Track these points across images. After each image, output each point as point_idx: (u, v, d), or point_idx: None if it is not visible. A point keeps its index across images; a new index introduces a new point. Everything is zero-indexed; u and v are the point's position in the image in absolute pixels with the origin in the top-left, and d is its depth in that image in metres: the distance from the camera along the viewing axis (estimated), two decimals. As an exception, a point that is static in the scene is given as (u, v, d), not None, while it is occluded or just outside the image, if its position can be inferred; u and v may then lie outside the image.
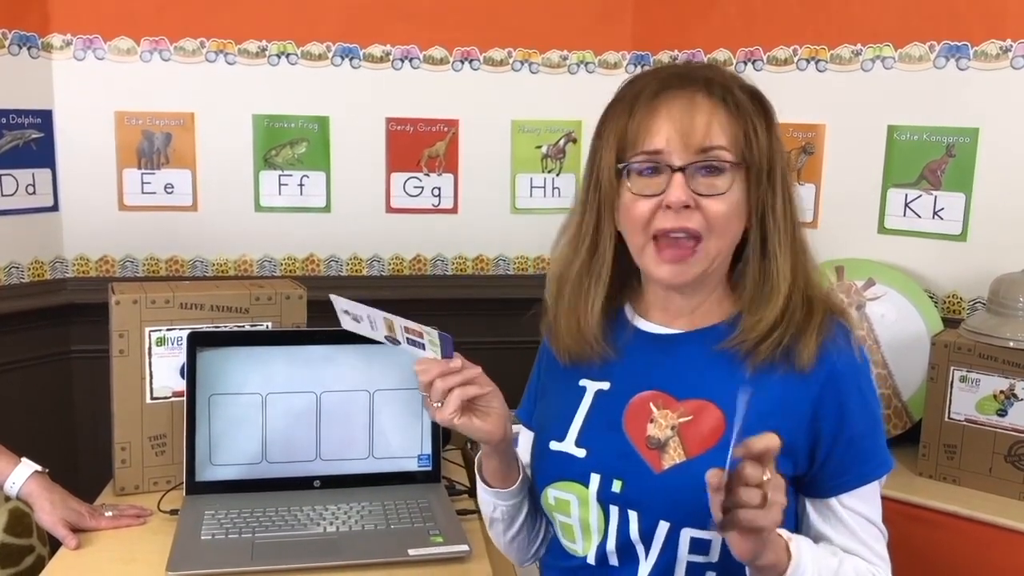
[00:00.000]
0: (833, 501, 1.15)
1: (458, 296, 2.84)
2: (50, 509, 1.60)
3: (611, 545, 1.19)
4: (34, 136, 2.54)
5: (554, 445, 1.25)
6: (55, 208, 2.61)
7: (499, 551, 1.67)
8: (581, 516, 1.21)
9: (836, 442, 1.13)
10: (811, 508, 1.16)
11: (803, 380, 1.13)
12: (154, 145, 2.65)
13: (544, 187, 2.88)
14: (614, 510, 1.17)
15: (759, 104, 1.18)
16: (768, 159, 1.15)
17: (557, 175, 2.88)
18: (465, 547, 1.56)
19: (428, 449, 1.80)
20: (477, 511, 1.78)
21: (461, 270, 2.90)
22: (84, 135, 2.61)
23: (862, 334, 2.15)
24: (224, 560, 1.49)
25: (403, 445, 1.79)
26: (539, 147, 2.85)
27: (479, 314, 2.86)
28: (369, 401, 1.78)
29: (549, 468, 1.26)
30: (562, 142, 2.86)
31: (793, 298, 1.14)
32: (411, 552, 1.54)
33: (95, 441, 2.66)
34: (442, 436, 1.85)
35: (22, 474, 1.63)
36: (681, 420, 1.14)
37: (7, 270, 2.52)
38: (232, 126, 2.68)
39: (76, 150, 2.61)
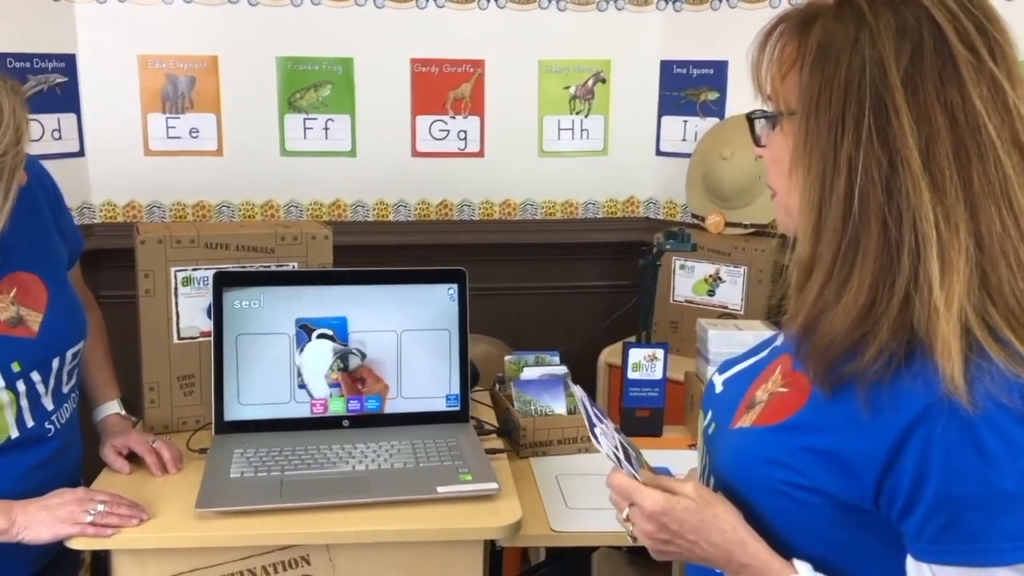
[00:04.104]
0: (925, 567, 0.91)
1: (485, 241, 2.82)
2: (107, 442, 1.66)
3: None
4: (58, 80, 2.53)
5: (715, 375, 1.22)
6: (81, 153, 2.60)
7: (528, 489, 1.66)
8: (699, 444, 1.19)
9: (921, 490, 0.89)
10: (909, 562, 0.92)
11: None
12: (178, 89, 2.63)
13: (572, 129, 2.84)
14: (704, 450, 1.15)
15: (799, 32, 0.96)
16: (799, 99, 0.95)
17: (586, 116, 2.84)
18: (494, 485, 1.54)
19: (456, 389, 1.79)
20: (505, 450, 1.77)
21: (488, 215, 2.87)
22: (108, 79, 2.59)
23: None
24: (253, 497, 1.49)
25: (431, 385, 1.78)
26: (567, 87, 2.81)
27: (506, 259, 2.84)
28: (397, 341, 1.77)
29: (704, 393, 1.23)
30: (591, 82, 2.81)
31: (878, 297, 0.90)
32: (440, 489, 1.53)
33: (125, 386, 2.68)
34: (470, 376, 1.83)
35: (105, 410, 1.71)
36: (779, 390, 1.03)
37: (35, 215, 2.51)
38: (256, 69, 2.66)
39: (100, 95, 2.59)
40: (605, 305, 2.96)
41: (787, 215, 1.01)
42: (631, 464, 1.07)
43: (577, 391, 1.22)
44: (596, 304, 2.96)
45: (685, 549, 1.01)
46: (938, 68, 0.88)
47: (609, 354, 2.66)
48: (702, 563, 1.01)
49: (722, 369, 1.21)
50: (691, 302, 2.63)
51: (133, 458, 1.64)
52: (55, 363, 1.50)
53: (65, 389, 1.54)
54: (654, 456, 1.19)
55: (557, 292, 2.95)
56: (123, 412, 1.72)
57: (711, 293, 2.60)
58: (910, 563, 0.91)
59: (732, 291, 2.57)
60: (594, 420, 1.12)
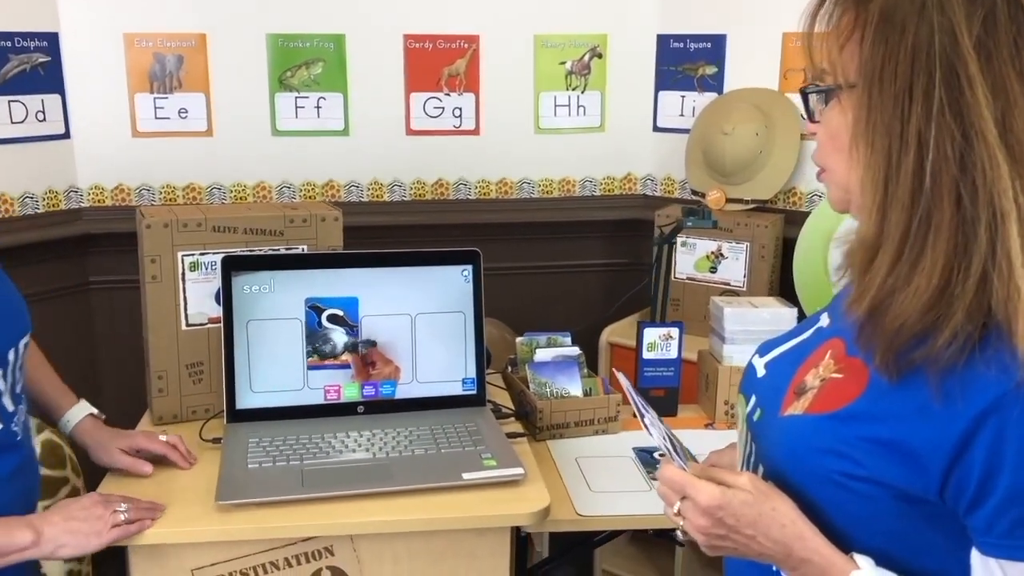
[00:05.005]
0: (992, 562, 0.87)
1: (482, 221, 2.78)
2: (104, 445, 1.55)
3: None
4: (41, 60, 2.45)
5: (754, 358, 1.17)
6: (67, 135, 2.52)
7: (549, 472, 1.64)
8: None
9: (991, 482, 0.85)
10: (974, 556, 0.90)
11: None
12: (166, 68, 2.55)
13: (569, 105, 2.80)
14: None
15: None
16: (859, 71, 0.90)
17: (582, 92, 2.79)
18: (520, 470, 1.51)
19: (472, 372, 1.75)
20: (525, 434, 1.74)
21: (484, 194, 2.83)
22: (93, 59, 2.51)
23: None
24: (275, 488, 1.45)
25: (447, 369, 1.74)
26: (563, 63, 2.76)
27: (504, 239, 2.80)
28: (411, 324, 1.72)
29: (743, 377, 1.18)
30: (587, 57, 2.77)
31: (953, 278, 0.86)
32: (465, 476, 1.49)
33: (118, 374, 2.62)
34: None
35: (77, 414, 1.56)
36: (833, 375, 0.99)
37: (22, 200, 2.44)
38: (245, 47, 2.59)
39: (85, 74, 2.51)
40: (603, 283, 2.94)
41: (844, 193, 0.97)
42: (679, 456, 1.04)
43: (623, 380, 1.18)
44: (593, 283, 2.94)
45: (741, 545, 0.96)
46: (1013, 34, 0.84)
47: (611, 333, 2.64)
48: (758, 559, 0.97)
49: (762, 351, 1.17)
50: (693, 279, 2.61)
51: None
52: (11, 355, 1.36)
53: (18, 389, 1.41)
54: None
55: (555, 271, 2.92)
56: (95, 411, 1.60)
57: (713, 270, 2.58)
58: (976, 557, 0.88)
59: (734, 267, 2.55)
60: (642, 410, 1.09)
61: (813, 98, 0.99)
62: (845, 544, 0.94)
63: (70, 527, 1.30)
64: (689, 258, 2.60)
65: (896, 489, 0.90)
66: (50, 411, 1.58)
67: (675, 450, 1.04)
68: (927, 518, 0.91)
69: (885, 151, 0.88)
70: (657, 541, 2.71)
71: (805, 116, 1.01)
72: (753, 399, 1.11)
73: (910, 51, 0.85)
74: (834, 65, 0.93)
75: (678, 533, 1.03)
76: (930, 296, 0.86)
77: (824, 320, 1.10)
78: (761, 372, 1.13)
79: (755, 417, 1.09)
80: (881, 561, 0.92)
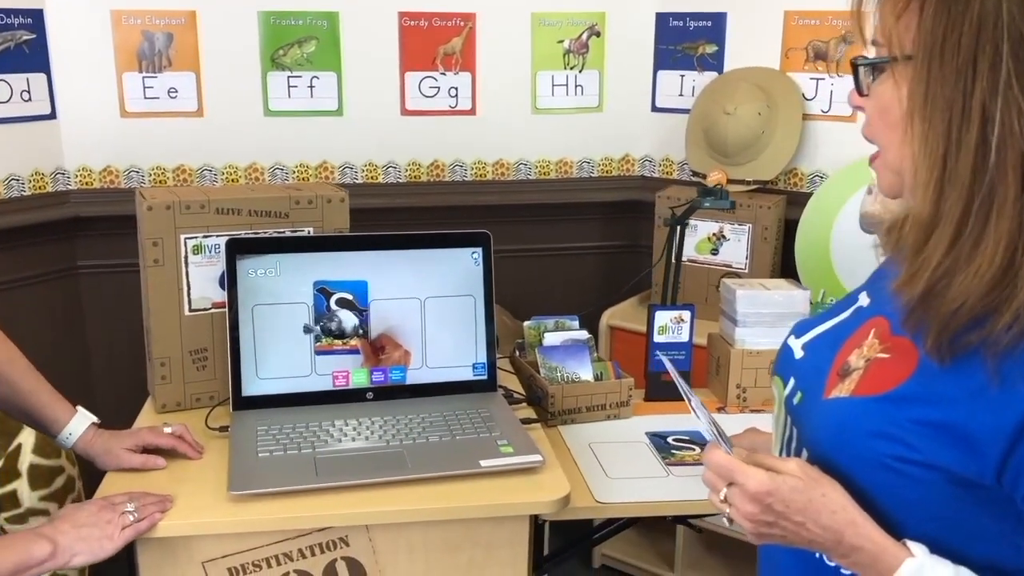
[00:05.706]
0: None
1: (478, 203, 2.73)
2: (111, 451, 1.48)
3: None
4: (26, 38, 2.37)
5: (790, 339, 1.14)
6: (52, 116, 2.45)
7: (563, 459, 1.60)
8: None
9: None
10: None
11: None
12: (155, 46, 2.48)
13: (566, 85, 2.75)
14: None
15: None
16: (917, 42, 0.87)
17: (580, 72, 2.75)
18: (539, 457, 1.47)
19: (483, 357, 1.71)
20: (539, 420, 1.70)
21: (481, 175, 2.78)
22: (79, 36, 2.44)
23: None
24: (288, 478, 1.40)
25: (457, 353, 1.70)
26: (561, 42, 2.71)
27: (500, 221, 2.75)
28: (420, 308, 1.68)
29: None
30: (585, 36, 2.72)
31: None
32: (483, 463, 1.46)
33: (109, 358, 2.56)
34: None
35: (78, 427, 1.49)
36: (878, 355, 0.96)
37: (7, 183, 2.37)
38: (236, 24, 2.53)
39: (72, 53, 2.44)
40: (600, 266, 2.91)
41: (896, 176, 0.93)
42: (724, 441, 1.01)
43: (669, 365, 1.15)
44: (590, 265, 2.91)
45: (790, 532, 0.93)
46: None
47: (611, 316, 2.61)
48: (807, 546, 0.94)
49: (797, 332, 1.14)
50: (694, 261, 2.58)
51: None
52: None
53: None
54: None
55: (552, 253, 2.88)
56: (96, 419, 1.52)
57: (714, 252, 2.55)
58: None
59: (736, 249, 2.52)
60: (688, 395, 1.06)
61: (862, 70, 0.95)
62: (895, 531, 0.91)
63: (81, 534, 1.25)
64: (690, 240, 2.56)
65: (951, 473, 0.87)
66: (46, 425, 1.50)
67: (720, 436, 1.01)
68: (981, 503, 0.88)
69: (945, 125, 0.84)
70: (657, 525, 2.69)
71: (853, 88, 0.98)
72: (792, 381, 1.08)
73: (975, 22, 0.82)
74: (888, 36, 0.90)
75: (724, 520, 0.99)
76: (991, 277, 0.83)
77: (864, 299, 1.07)
78: (799, 353, 1.10)
79: (795, 400, 1.05)
80: (933, 548, 0.89)
